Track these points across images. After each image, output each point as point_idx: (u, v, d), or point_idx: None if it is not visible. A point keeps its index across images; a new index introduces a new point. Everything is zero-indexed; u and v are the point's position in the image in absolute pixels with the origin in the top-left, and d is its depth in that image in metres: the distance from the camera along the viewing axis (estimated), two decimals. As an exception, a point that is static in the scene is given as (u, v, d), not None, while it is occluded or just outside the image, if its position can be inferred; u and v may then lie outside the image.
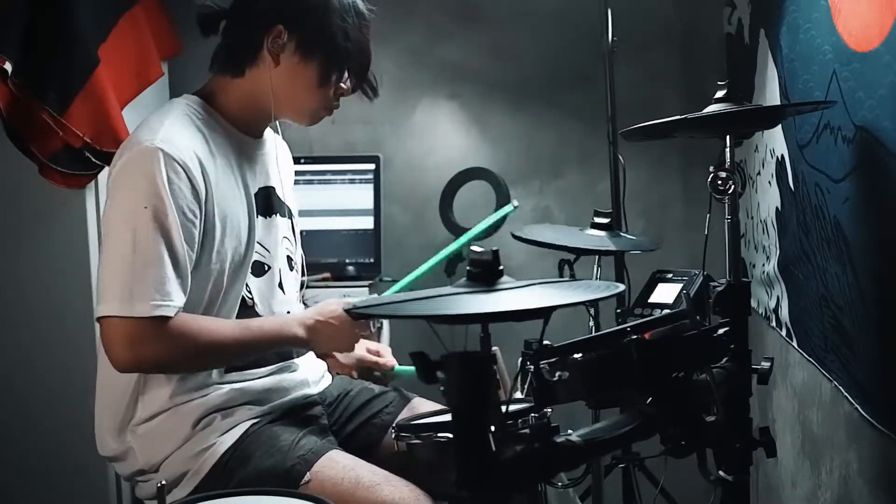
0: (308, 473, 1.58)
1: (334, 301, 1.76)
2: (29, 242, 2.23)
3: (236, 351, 1.66)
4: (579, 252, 2.01)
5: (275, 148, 1.89)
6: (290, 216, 1.86)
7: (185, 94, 1.74)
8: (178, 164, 1.56)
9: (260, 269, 1.75)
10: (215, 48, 1.74)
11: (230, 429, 1.66)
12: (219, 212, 1.63)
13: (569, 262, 2.04)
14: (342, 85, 1.74)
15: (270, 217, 1.79)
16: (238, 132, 1.74)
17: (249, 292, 1.72)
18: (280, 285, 1.79)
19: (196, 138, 1.64)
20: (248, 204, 1.71)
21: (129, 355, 1.55)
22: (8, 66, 1.93)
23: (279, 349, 1.75)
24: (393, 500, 1.55)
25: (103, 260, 1.58)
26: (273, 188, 1.81)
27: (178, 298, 1.56)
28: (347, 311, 1.29)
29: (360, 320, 1.72)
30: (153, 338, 1.54)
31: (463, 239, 2.32)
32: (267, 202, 1.78)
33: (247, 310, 1.71)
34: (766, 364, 1.58)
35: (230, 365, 1.69)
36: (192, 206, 1.58)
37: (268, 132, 1.85)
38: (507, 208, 2.38)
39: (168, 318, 1.55)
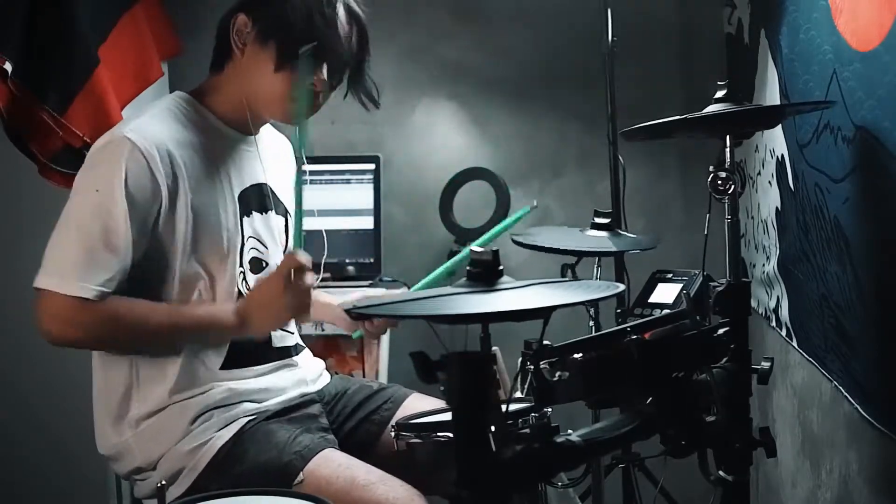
0: (302, 472, 1.58)
1: (258, 281, 1.71)
2: (29, 242, 2.23)
3: (165, 337, 1.65)
4: (581, 254, 2.01)
5: (275, 145, 1.88)
6: (286, 214, 1.86)
7: (178, 90, 1.75)
8: (142, 153, 1.57)
9: (258, 266, 1.75)
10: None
11: (227, 425, 1.66)
12: (193, 206, 1.63)
13: (571, 267, 2.04)
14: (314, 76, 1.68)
15: (266, 213, 1.79)
16: (228, 129, 1.74)
17: (249, 289, 1.72)
18: None
19: (174, 132, 1.65)
20: (232, 201, 1.71)
21: (52, 329, 1.59)
22: (8, 66, 1.93)
23: (215, 337, 1.69)
24: (387, 500, 1.54)
25: (52, 236, 1.62)
26: (266, 184, 1.80)
27: (108, 284, 1.57)
28: (347, 311, 1.29)
29: (300, 277, 1.63)
30: (77, 316, 1.57)
31: (482, 240, 2.14)
32: (260, 199, 1.78)
33: None
34: (766, 364, 1.58)
35: (164, 350, 1.66)
36: (146, 194, 1.58)
37: (268, 130, 1.85)
38: (524, 209, 2.19)
39: (93, 300, 1.56)
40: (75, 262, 1.57)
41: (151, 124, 1.63)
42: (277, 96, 1.69)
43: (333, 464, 1.61)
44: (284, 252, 1.84)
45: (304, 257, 1.64)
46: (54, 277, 1.58)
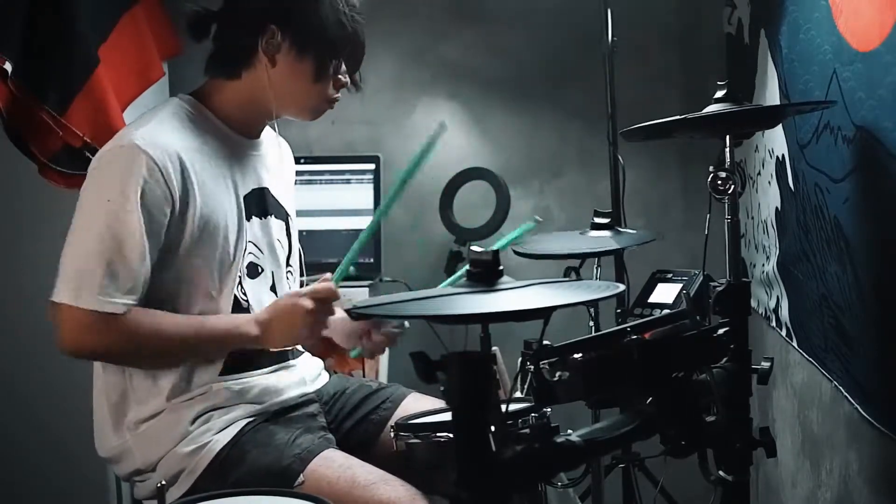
0: (302, 474, 1.58)
1: (288, 294, 1.72)
2: (29, 242, 2.23)
3: (189, 350, 1.65)
4: (583, 256, 2.01)
5: (275, 148, 1.88)
6: (287, 218, 1.86)
7: (180, 94, 1.74)
8: (155, 161, 1.56)
9: (254, 271, 1.75)
10: (210, 53, 1.73)
11: (226, 427, 1.65)
12: (202, 212, 1.63)
13: (575, 269, 2.04)
14: (340, 77, 1.73)
15: (265, 218, 1.78)
16: (233, 133, 1.73)
17: (245, 294, 1.72)
18: (272, 288, 1.78)
19: (183, 138, 1.64)
20: (237, 205, 1.71)
21: (71, 342, 1.57)
22: (8, 66, 1.93)
23: (235, 348, 1.70)
24: (389, 500, 1.55)
25: (65, 248, 1.59)
26: (267, 189, 1.80)
27: (127, 296, 1.56)
28: (348, 310, 1.29)
29: (327, 306, 1.67)
30: (97, 330, 1.55)
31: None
32: (261, 203, 1.77)
33: (241, 312, 1.71)
34: (766, 364, 1.58)
35: (185, 363, 1.66)
36: (161, 205, 1.57)
37: (267, 132, 1.85)
38: (528, 225, 2.16)
39: (115, 314, 1.55)
40: (95, 274, 1.54)
41: (161, 131, 1.62)
42: (313, 104, 1.73)
43: (334, 465, 1.60)
44: (289, 256, 1.84)
45: (338, 291, 1.68)
46: (74, 291, 1.54)
